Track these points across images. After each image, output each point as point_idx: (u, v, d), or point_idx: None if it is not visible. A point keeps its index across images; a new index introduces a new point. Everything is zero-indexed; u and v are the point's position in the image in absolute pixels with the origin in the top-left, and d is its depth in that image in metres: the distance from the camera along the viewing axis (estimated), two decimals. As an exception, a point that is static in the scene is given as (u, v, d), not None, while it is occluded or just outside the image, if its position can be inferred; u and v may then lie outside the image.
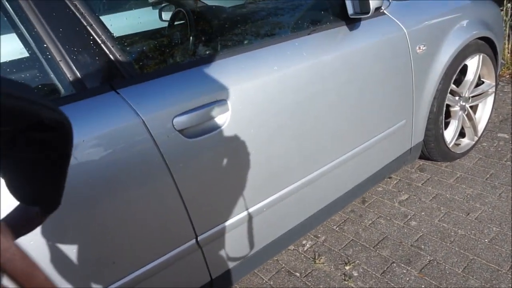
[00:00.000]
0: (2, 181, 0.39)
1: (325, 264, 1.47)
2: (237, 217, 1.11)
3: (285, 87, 1.12)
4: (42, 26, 0.84)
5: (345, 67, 1.28)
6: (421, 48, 1.55)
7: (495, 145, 2.07)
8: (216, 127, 0.99)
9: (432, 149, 1.83)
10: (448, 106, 1.84)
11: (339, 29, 1.33)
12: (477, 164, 1.94)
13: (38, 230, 0.78)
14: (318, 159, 1.29)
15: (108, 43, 0.92)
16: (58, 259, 0.82)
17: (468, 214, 1.61)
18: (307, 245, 1.58)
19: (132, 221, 0.92)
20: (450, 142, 1.89)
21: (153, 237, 0.97)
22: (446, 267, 1.36)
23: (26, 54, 0.93)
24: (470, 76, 1.89)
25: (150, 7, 2.29)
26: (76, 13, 0.89)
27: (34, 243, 0.79)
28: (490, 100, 2.09)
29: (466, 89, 1.89)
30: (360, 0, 1.29)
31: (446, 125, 1.91)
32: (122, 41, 1.34)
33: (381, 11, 1.49)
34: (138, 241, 0.94)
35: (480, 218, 1.57)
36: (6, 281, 0.31)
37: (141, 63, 1.15)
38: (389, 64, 1.44)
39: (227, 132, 1.01)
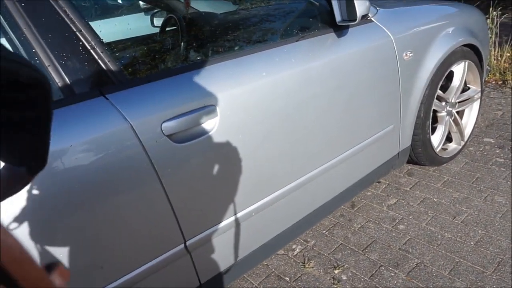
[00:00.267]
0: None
1: (314, 269, 1.48)
2: (226, 221, 1.12)
3: (273, 93, 1.14)
4: (31, 31, 0.85)
5: (333, 73, 1.30)
6: (408, 54, 1.59)
7: (481, 149, 2.11)
8: (205, 132, 1.00)
9: (419, 153, 1.86)
10: (435, 111, 1.88)
11: (327, 36, 1.36)
12: (464, 168, 1.97)
13: (26, 235, 0.78)
14: (306, 164, 1.30)
15: (98, 49, 0.92)
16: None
17: (455, 217, 1.63)
18: (297, 250, 1.59)
19: (120, 226, 0.92)
20: (437, 146, 1.92)
21: (141, 242, 0.97)
22: (433, 270, 1.39)
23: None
24: (456, 82, 1.93)
25: (143, 13, 2.29)
26: (65, 18, 0.89)
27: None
28: (476, 105, 2.13)
29: (452, 95, 1.93)
30: (347, 8, 1.32)
31: (433, 130, 1.94)
32: (112, 47, 1.35)
33: (368, 18, 1.52)
34: (126, 246, 0.94)
35: (466, 221, 1.60)
36: None
37: (131, 69, 1.16)
38: (376, 70, 1.46)
39: (216, 137, 1.02)
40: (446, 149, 2.05)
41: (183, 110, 0.97)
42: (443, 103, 1.91)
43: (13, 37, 0.87)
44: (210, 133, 1.01)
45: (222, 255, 1.17)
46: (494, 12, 3.07)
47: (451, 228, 1.58)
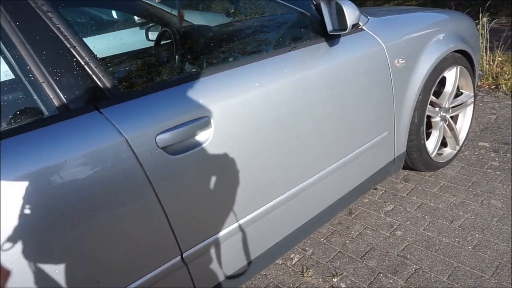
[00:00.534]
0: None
1: (313, 277, 1.47)
2: (223, 232, 1.12)
3: (267, 103, 1.15)
4: (25, 48, 0.86)
5: (326, 82, 1.32)
6: (400, 61, 1.61)
7: (476, 153, 2.13)
8: (199, 144, 1.01)
9: (415, 159, 1.87)
10: (429, 117, 1.89)
11: (319, 46, 1.38)
12: (460, 172, 1.98)
13: (21, 250, 0.78)
14: (302, 172, 1.31)
15: (92, 64, 0.94)
16: (41, 279, 0.82)
17: (452, 222, 1.64)
18: (295, 259, 1.58)
19: (116, 240, 0.92)
20: (433, 152, 1.93)
21: (137, 255, 0.97)
22: (432, 276, 1.38)
23: (10, 77, 0.95)
24: (449, 87, 1.95)
25: (138, 28, 2.32)
26: (59, 35, 0.91)
27: (16, 264, 0.78)
28: (469, 110, 2.15)
29: (445, 100, 1.95)
30: (338, 17, 1.34)
31: (428, 135, 1.96)
32: (107, 62, 1.36)
33: (359, 27, 1.54)
34: (123, 259, 0.94)
35: (464, 226, 1.60)
36: None
37: (125, 83, 1.17)
38: (369, 78, 1.48)
39: (210, 148, 1.03)
40: (442, 154, 2.07)
41: (177, 122, 0.98)
42: (437, 109, 1.93)
43: (8, 55, 0.88)
44: (204, 145, 1.02)
45: (220, 267, 1.16)
46: (484, 18, 3.12)
47: (449, 233, 1.58)
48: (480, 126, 2.44)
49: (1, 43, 0.87)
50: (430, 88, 1.78)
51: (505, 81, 2.98)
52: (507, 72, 3.08)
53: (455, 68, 1.91)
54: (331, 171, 1.41)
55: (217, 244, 1.12)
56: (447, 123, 2.00)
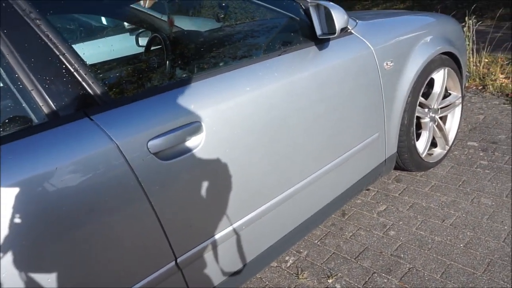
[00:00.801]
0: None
1: (308, 279, 1.48)
2: (217, 236, 1.12)
3: (258, 107, 1.16)
4: (13, 56, 0.86)
5: (316, 85, 1.33)
6: (389, 64, 1.63)
7: (465, 153, 2.16)
8: (191, 149, 1.01)
9: (406, 159, 1.89)
10: (418, 118, 1.92)
11: (308, 50, 1.39)
12: (450, 172, 2.01)
13: (12, 260, 0.78)
14: (294, 175, 1.32)
15: (81, 71, 0.93)
16: (33, 289, 0.81)
17: (444, 220, 1.66)
18: (290, 261, 1.58)
19: (109, 247, 0.91)
20: (423, 152, 1.96)
21: (131, 261, 0.96)
22: (425, 274, 1.40)
23: (-2, 85, 0.94)
24: (437, 89, 1.98)
25: (128, 34, 2.32)
26: (48, 42, 0.91)
27: (7, 273, 0.77)
28: (458, 110, 2.19)
29: (434, 101, 1.98)
30: (327, 21, 1.36)
31: (418, 136, 1.98)
32: (97, 68, 1.36)
33: (348, 31, 1.56)
34: (116, 266, 0.94)
35: (455, 224, 1.62)
36: None
37: (116, 89, 1.17)
38: (358, 81, 1.50)
39: (202, 153, 1.03)
40: (432, 154, 2.09)
41: (168, 127, 0.98)
42: (426, 110, 1.96)
43: (-4, 63, 0.87)
44: (196, 149, 1.02)
45: (214, 271, 1.16)
46: (470, 21, 3.18)
47: (441, 231, 1.60)
48: (469, 126, 2.48)
49: (-11, 51, 0.86)
50: (419, 90, 1.80)
51: (491, 82, 3.04)
52: (493, 73, 3.14)
53: (442, 69, 1.94)
54: (324, 173, 1.42)
55: (211, 248, 1.11)
56: (436, 123, 2.03)
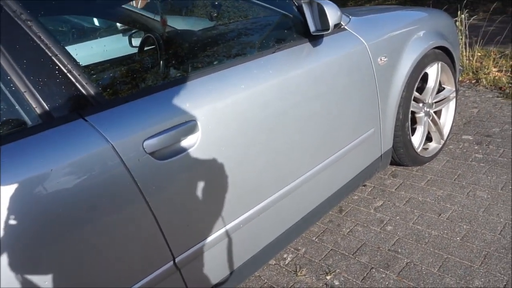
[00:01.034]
0: None
1: (306, 276, 1.48)
2: (214, 235, 1.12)
3: (253, 105, 1.16)
4: (5, 58, 0.85)
5: (311, 82, 1.33)
6: (383, 59, 1.63)
7: (460, 147, 2.17)
8: (187, 148, 1.01)
9: (401, 154, 1.90)
10: (413, 112, 1.93)
11: (302, 46, 1.39)
12: (445, 166, 2.02)
13: (5, 262, 0.77)
14: (291, 172, 1.32)
15: (75, 72, 0.93)
16: (30, 292, 0.81)
17: (440, 214, 1.67)
18: (288, 259, 1.59)
19: (107, 247, 0.91)
20: (418, 147, 1.97)
21: (129, 262, 0.96)
22: (423, 268, 1.41)
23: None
24: (431, 83, 1.99)
25: (121, 34, 2.31)
26: (40, 44, 0.90)
27: (2, 276, 0.77)
28: (452, 104, 2.20)
29: (428, 96, 1.99)
30: (320, 18, 1.36)
31: (413, 131, 1.99)
32: (90, 69, 1.35)
33: (342, 27, 1.56)
34: (114, 267, 0.93)
35: (451, 218, 1.63)
36: None
37: (110, 90, 1.16)
38: (353, 76, 1.50)
39: (198, 152, 1.02)
40: (427, 148, 2.11)
41: (164, 127, 0.98)
42: (421, 104, 1.97)
43: (-12, 65, 0.86)
44: (192, 148, 1.01)
45: (213, 270, 1.16)
46: (462, 15, 3.20)
47: (437, 225, 1.61)
48: (463, 120, 2.50)
49: (-19, 54, 0.85)
50: (413, 85, 1.81)
51: (485, 75, 3.06)
52: (486, 67, 3.16)
53: (436, 64, 1.95)
54: (320, 170, 1.42)
55: (209, 247, 1.11)
56: (431, 118, 2.04)
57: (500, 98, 2.72)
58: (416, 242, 1.54)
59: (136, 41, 2.07)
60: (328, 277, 1.45)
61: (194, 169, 1.03)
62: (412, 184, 1.93)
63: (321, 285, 1.43)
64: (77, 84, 0.92)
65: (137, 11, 2.11)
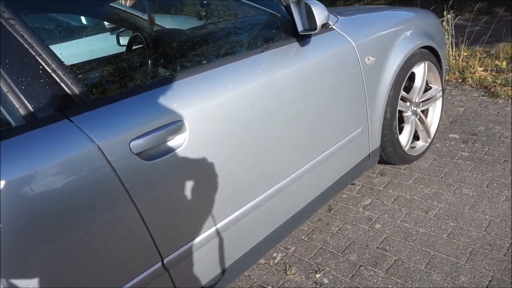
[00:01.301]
0: None
1: (296, 275, 1.49)
2: (203, 236, 1.11)
3: (241, 104, 1.16)
4: (-13, 58, 0.83)
5: (299, 81, 1.34)
6: (370, 59, 1.65)
7: (447, 145, 2.21)
8: (175, 148, 1.00)
9: (389, 153, 1.92)
10: (400, 112, 1.95)
11: (290, 46, 1.40)
12: (432, 164, 2.05)
13: (-9, 268, 0.76)
14: (279, 172, 1.32)
15: (59, 72, 0.91)
16: (14, 296, 0.79)
17: (427, 212, 1.69)
18: (278, 258, 1.59)
19: (94, 249, 0.90)
20: (406, 145, 1.99)
21: (117, 264, 0.95)
22: (410, 265, 1.42)
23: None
24: (418, 82, 2.01)
25: (109, 33, 2.28)
26: (23, 43, 0.88)
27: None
28: (439, 103, 2.23)
29: (415, 95, 2.01)
30: (308, 17, 1.36)
31: (401, 130, 2.01)
32: (76, 68, 1.33)
33: (329, 26, 1.57)
34: (101, 269, 0.92)
35: (438, 215, 1.66)
36: None
37: (96, 89, 1.15)
38: (340, 76, 1.51)
39: (186, 152, 1.02)
40: (415, 147, 2.13)
41: (151, 127, 0.97)
42: (408, 103, 1.99)
43: (-31, 65, 0.85)
44: (180, 149, 1.01)
45: (202, 270, 1.16)
46: (449, 15, 3.24)
47: (425, 223, 1.63)
48: (450, 118, 2.54)
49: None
50: (400, 84, 1.83)
51: (471, 75, 3.11)
52: (472, 66, 3.22)
53: (423, 63, 1.98)
54: (309, 169, 1.43)
55: (198, 248, 1.11)
56: (418, 117, 2.06)
57: (485, 97, 2.77)
58: (403, 239, 1.56)
59: (124, 40, 2.05)
60: (317, 276, 1.46)
61: (181, 170, 1.02)
62: (400, 182, 1.95)
63: (310, 283, 1.43)
64: (61, 83, 0.91)
65: (125, 9, 2.09)
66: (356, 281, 1.40)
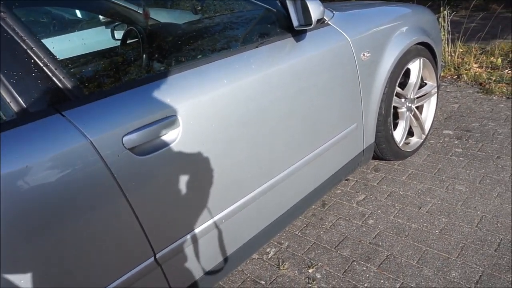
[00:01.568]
0: None
1: (289, 270, 1.50)
2: (196, 231, 1.12)
3: (235, 100, 1.16)
4: (-22, 52, 0.82)
5: (294, 77, 1.33)
6: (365, 55, 1.65)
7: (441, 141, 2.22)
8: (168, 143, 1.00)
9: (384, 149, 1.92)
10: (395, 108, 1.95)
11: (286, 41, 1.39)
12: (426, 160, 2.06)
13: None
14: (273, 167, 1.33)
15: (51, 66, 0.91)
16: (6, 290, 0.79)
17: (420, 208, 1.70)
18: (271, 253, 1.60)
19: (86, 244, 0.90)
20: (400, 141, 2.00)
21: (109, 258, 0.95)
22: (402, 260, 1.44)
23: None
24: (413, 79, 2.02)
25: (103, 27, 2.26)
26: (15, 37, 0.87)
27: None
28: (433, 100, 2.24)
29: (410, 91, 2.02)
30: (303, 13, 1.36)
31: (395, 126, 2.02)
32: (69, 63, 1.32)
33: (325, 22, 1.57)
34: (94, 264, 0.92)
35: (431, 211, 1.67)
36: None
37: (89, 84, 1.14)
38: (335, 72, 1.51)
39: (179, 147, 1.02)
40: (409, 143, 2.14)
41: (144, 122, 0.97)
42: (403, 100, 2.00)
43: (-41, 58, 0.84)
44: (173, 144, 1.01)
45: (195, 265, 1.16)
46: (445, 11, 3.24)
47: (417, 218, 1.64)
48: (444, 115, 2.55)
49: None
50: (395, 80, 1.83)
51: (466, 71, 3.12)
52: (467, 63, 3.22)
53: (418, 60, 1.98)
54: (303, 164, 1.44)
55: (191, 243, 1.11)
56: (412, 113, 2.07)
57: (480, 94, 2.78)
58: (396, 235, 1.57)
59: (119, 34, 2.03)
60: (310, 271, 1.47)
61: (174, 165, 1.02)
62: (394, 178, 1.96)
63: (303, 278, 1.45)
64: (53, 78, 0.90)
65: (120, 3, 2.07)
66: (349, 276, 1.42)
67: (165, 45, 1.61)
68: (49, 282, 0.86)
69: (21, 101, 0.84)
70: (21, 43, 0.88)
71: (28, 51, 0.88)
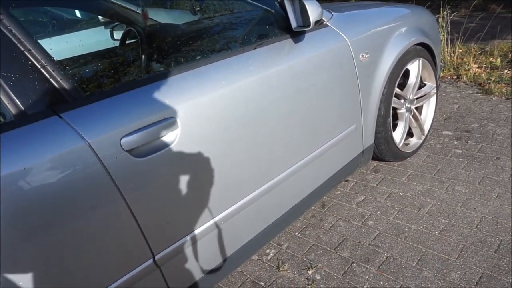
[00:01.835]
0: None
1: (288, 271, 1.49)
2: (195, 232, 1.11)
3: (234, 101, 1.15)
4: (-25, 53, 0.82)
5: (292, 78, 1.33)
6: (364, 56, 1.65)
7: (441, 142, 2.22)
8: (166, 145, 1.00)
9: (383, 150, 1.92)
10: (394, 108, 1.95)
11: (284, 42, 1.39)
12: (426, 161, 2.06)
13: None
14: (272, 168, 1.32)
15: (48, 67, 0.90)
16: (3, 294, 0.79)
17: (420, 209, 1.70)
18: (271, 254, 1.60)
19: (85, 246, 0.90)
20: (400, 142, 1.99)
21: (108, 261, 0.95)
22: (402, 262, 1.43)
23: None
24: (412, 79, 2.02)
25: (102, 27, 2.26)
26: (12, 38, 0.87)
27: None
28: (433, 100, 2.23)
29: (410, 92, 2.02)
30: (301, 14, 1.36)
31: (395, 126, 2.02)
32: (67, 64, 1.32)
33: (324, 23, 1.57)
34: (92, 265, 0.92)
35: (430, 212, 1.67)
36: None
37: (87, 85, 1.14)
38: (334, 73, 1.51)
39: (178, 149, 1.01)
40: (408, 144, 2.14)
41: (142, 124, 0.96)
42: (402, 100, 1.99)
43: (-44, 60, 0.83)
44: (171, 145, 1.00)
45: (194, 267, 1.16)
46: (445, 12, 3.24)
47: (417, 220, 1.64)
48: (444, 115, 2.54)
49: None
50: (394, 81, 1.83)
51: (465, 72, 3.12)
52: (467, 63, 3.22)
53: (417, 60, 1.98)
54: (302, 166, 1.43)
55: (189, 244, 1.11)
56: (412, 114, 2.07)
57: (479, 94, 2.78)
58: (396, 236, 1.57)
59: (118, 34, 2.03)
60: (309, 272, 1.47)
61: (173, 167, 1.02)
62: (393, 179, 1.96)
63: (302, 279, 1.44)
64: (51, 79, 0.90)
65: (119, 3, 2.07)
66: (348, 277, 1.41)
67: (164, 46, 1.61)
68: (47, 284, 0.85)
69: (19, 103, 0.84)
70: (19, 45, 0.88)
71: (26, 52, 0.88)
